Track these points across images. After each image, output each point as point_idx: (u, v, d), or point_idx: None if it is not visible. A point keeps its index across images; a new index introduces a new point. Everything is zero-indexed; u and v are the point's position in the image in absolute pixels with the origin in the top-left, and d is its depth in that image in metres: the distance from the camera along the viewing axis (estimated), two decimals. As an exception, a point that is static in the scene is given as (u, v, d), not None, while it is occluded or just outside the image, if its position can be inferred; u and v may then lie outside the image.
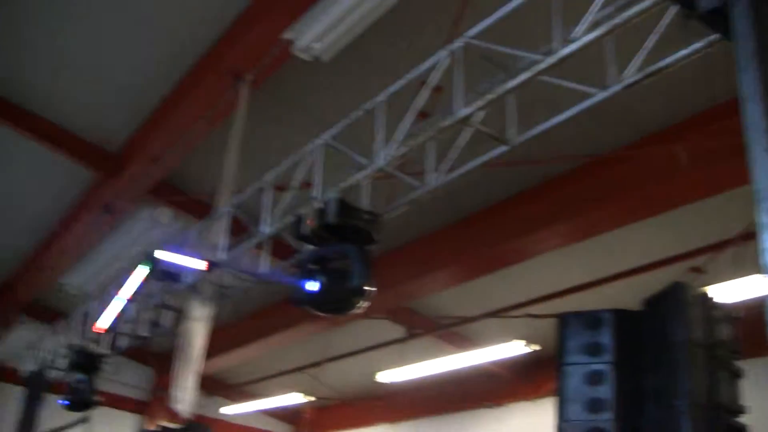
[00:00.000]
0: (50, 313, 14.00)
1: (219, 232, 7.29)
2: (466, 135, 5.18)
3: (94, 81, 8.95)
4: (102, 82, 8.93)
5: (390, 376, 12.17)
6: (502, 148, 4.82)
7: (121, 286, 8.57)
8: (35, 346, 12.80)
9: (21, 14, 8.07)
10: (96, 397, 10.50)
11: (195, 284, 7.70)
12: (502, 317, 10.89)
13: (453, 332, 12.09)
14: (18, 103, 9.48)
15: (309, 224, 5.47)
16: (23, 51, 8.68)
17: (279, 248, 6.92)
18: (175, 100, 8.48)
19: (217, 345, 12.41)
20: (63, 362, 11.73)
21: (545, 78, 4.39)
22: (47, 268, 12.36)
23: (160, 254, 7.59)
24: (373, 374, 12.42)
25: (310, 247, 5.75)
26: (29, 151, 10.24)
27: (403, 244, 9.94)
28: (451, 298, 10.97)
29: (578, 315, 6.99)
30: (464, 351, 11.68)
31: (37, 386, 12.82)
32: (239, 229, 7.17)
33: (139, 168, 9.33)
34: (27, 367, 13.00)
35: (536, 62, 4.30)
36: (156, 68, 8.50)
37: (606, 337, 6.71)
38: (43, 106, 9.51)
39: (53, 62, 8.76)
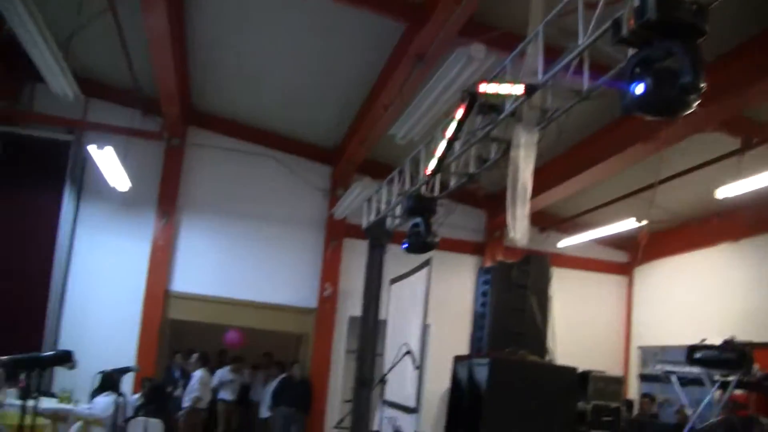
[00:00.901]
0: (383, 166, 14.84)
1: (534, 55, 7.22)
2: None
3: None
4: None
5: (729, 191, 11.48)
6: None
7: (445, 127, 8.82)
8: (373, 199, 13.74)
9: None
10: (434, 239, 10.99)
11: (517, 111, 7.74)
12: None
13: (798, 138, 11.10)
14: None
15: (628, 26, 5.20)
16: None
17: (597, 68, 6.76)
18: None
19: (547, 179, 12.58)
20: (399, 210, 12.52)
21: None
22: (373, 124, 13.02)
23: (479, 88, 7.68)
24: (710, 191, 11.71)
25: (633, 51, 5.50)
26: (339, 14, 10.74)
27: (732, 49, 9.16)
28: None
29: None
30: (811, 157, 10.68)
31: (378, 236, 13.87)
32: (555, 53, 7.06)
33: (444, 11, 9.37)
34: (368, 220, 14.03)
35: None
36: None
37: None
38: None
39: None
